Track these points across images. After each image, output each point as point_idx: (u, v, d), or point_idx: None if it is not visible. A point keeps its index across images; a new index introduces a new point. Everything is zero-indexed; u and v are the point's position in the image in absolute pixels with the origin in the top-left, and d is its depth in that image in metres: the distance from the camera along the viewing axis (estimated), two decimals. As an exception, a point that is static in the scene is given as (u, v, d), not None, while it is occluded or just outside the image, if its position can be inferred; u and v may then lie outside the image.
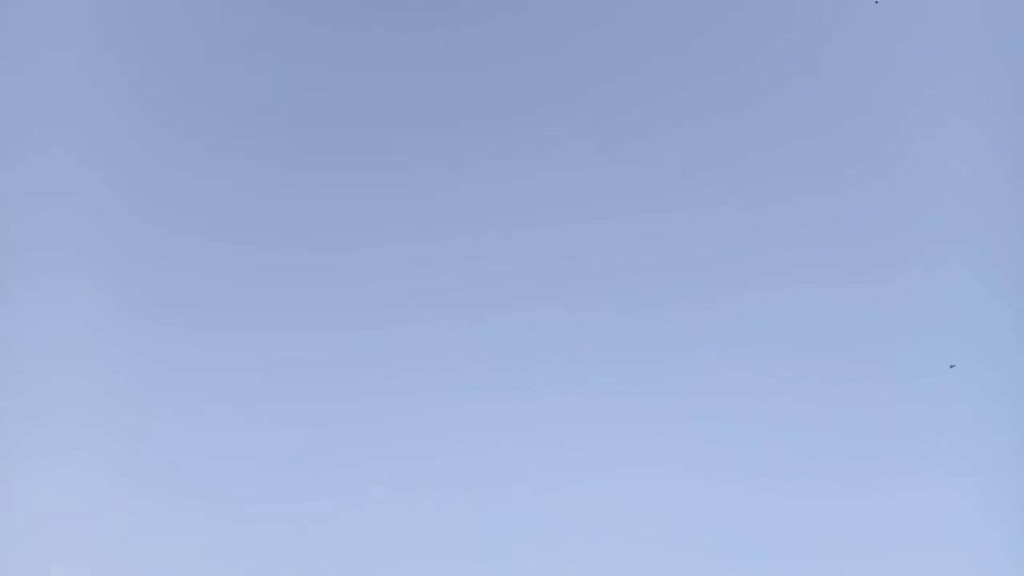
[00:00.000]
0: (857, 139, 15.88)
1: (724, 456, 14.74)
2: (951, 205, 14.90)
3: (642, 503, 14.48)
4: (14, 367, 13.60)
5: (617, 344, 16.37)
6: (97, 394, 14.13)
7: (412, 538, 14.04)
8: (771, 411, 15.00)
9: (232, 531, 13.43)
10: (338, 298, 16.54)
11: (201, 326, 14.03)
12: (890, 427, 15.30)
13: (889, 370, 14.56)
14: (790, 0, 15.21)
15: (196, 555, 12.73)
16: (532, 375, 15.96)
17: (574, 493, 14.37)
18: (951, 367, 12.12)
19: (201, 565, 12.48)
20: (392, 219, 17.26)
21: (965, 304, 13.37)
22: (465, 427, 15.12)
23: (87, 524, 12.95)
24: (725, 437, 14.74)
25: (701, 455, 14.55)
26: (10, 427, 13.00)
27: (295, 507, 13.71)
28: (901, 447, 14.95)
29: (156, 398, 14.32)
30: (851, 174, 15.70)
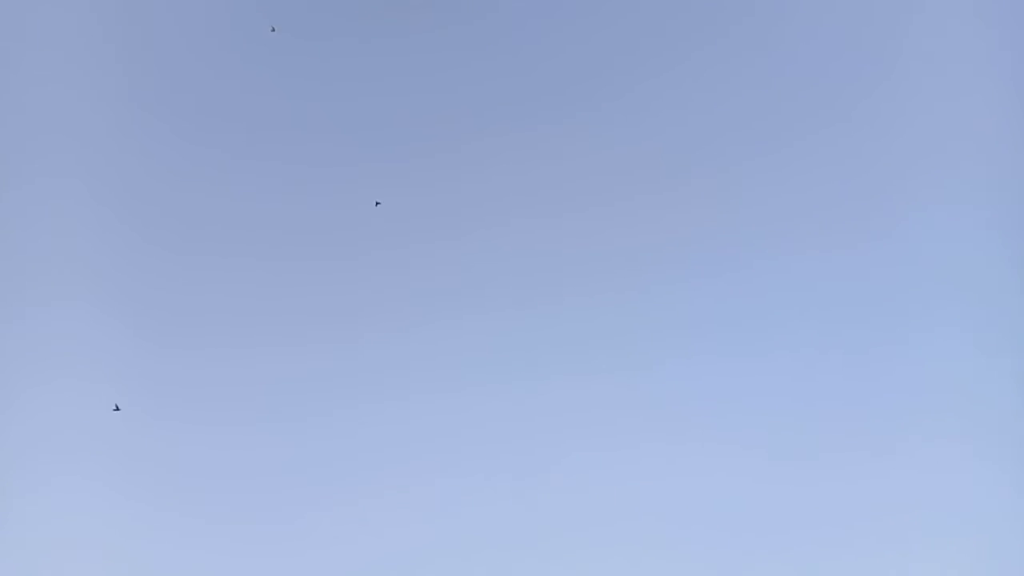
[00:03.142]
0: (848, 120, 16.38)
1: (730, 435, 15.37)
2: (948, 172, 15.50)
3: (657, 485, 15.11)
4: (16, 386, 14.00)
5: (616, 332, 17.01)
6: (98, 413, 14.52)
7: (421, 537, 14.59)
8: (775, 390, 15.57)
9: (244, 542, 13.75)
10: (337, 307, 17.14)
11: (210, 344, 14.27)
12: (889, 410, 15.86)
13: (888, 355, 15.12)
14: None
15: (219, 571, 12.98)
16: (532, 368, 16.61)
17: (586, 481, 14.99)
18: None
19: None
20: (386, 225, 17.77)
21: (965, 274, 13.82)
22: (468, 424, 15.74)
23: (89, 540, 13.33)
24: (731, 417, 15.35)
25: (709, 434, 15.24)
26: (12, 444, 13.35)
27: (305, 515, 14.10)
28: (899, 428, 15.53)
29: (158, 418, 14.68)
30: (840, 153, 16.21)
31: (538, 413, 30.80)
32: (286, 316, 32.62)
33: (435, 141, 35.86)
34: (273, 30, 20.93)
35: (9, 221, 31.30)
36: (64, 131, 32.48)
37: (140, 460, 30.22)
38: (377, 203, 22.00)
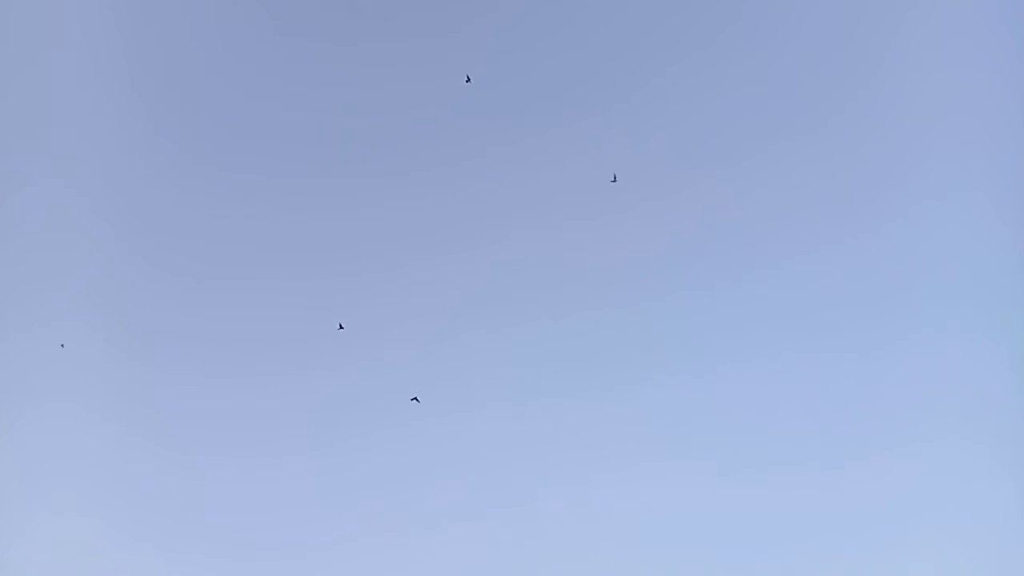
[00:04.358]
0: (852, 126, 16.59)
1: (737, 446, 15.51)
2: (949, 173, 15.76)
3: (662, 502, 15.32)
4: (14, 413, 14.25)
5: (614, 346, 17.07)
6: (98, 444, 14.86)
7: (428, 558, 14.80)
8: (778, 400, 15.76)
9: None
10: (334, 330, 17.31)
11: (206, 372, 14.51)
12: (889, 411, 16.00)
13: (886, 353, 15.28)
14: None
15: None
16: (532, 386, 16.75)
17: (594, 501, 15.21)
18: None
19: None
20: (379, 243, 17.90)
21: (968, 274, 14.09)
22: (468, 450, 16.03)
23: (85, 569, 13.71)
24: (735, 428, 15.53)
25: (709, 449, 15.44)
26: (9, 473, 13.65)
27: (305, 546, 14.49)
28: (900, 426, 15.68)
29: (165, 449, 15.03)
30: (838, 155, 16.43)
31: (542, 432, 30.56)
32: (280, 342, 32.19)
33: (419, 158, 35.62)
34: (468, 80, 21.15)
35: (7, 234, 31.13)
36: (67, 142, 32.42)
37: (141, 494, 29.79)
38: (469, 78, 21.10)
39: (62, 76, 32.00)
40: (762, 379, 31.82)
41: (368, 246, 34.35)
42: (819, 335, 33.29)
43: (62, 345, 28.88)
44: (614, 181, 27.44)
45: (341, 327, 25.40)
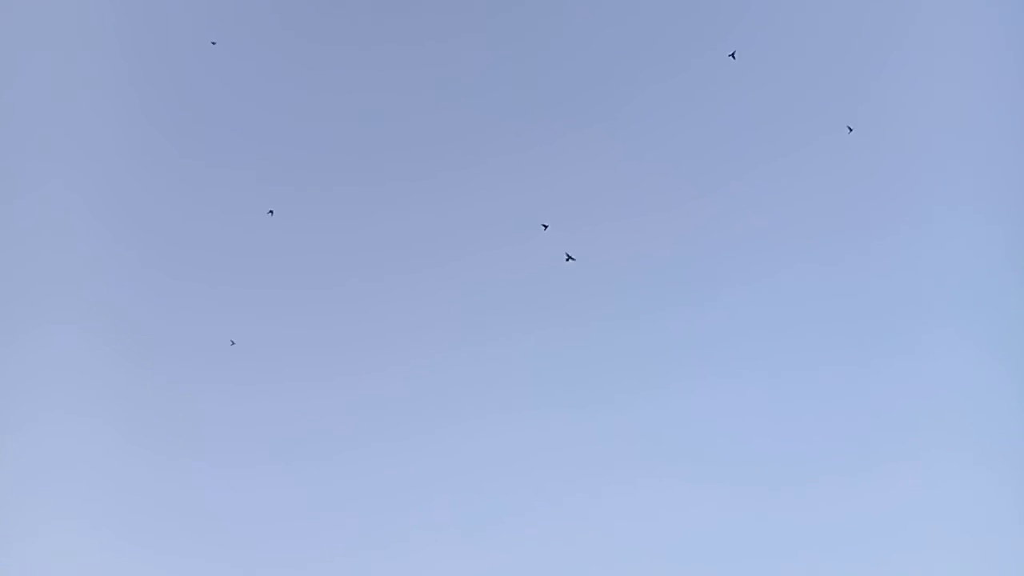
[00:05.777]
0: (854, 135, 16.40)
1: (737, 461, 15.28)
2: (948, 180, 15.63)
3: (668, 515, 15.06)
4: (15, 418, 13.98)
5: (618, 357, 16.87)
6: (100, 450, 14.56)
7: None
8: (776, 410, 15.55)
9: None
10: (342, 339, 16.97)
11: (210, 379, 14.22)
12: (889, 420, 15.86)
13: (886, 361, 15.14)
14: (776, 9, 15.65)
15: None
16: (535, 397, 16.49)
17: (596, 511, 14.93)
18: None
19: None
20: (382, 251, 17.60)
21: (966, 283, 13.98)
22: (467, 463, 15.73)
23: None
24: (735, 442, 15.29)
25: (710, 460, 15.21)
26: (11, 479, 13.40)
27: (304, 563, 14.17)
28: (901, 438, 15.57)
29: (165, 456, 14.72)
30: (839, 164, 16.29)
31: (545, 443, 30.39)
32: (299, 354, 31.85)
33: (424, 165, 35.45)
34: (733, 55, 20.79)
35: (9, 236, 30.85)
36: (67, 144, 32.17)
37: (143, 500, 29.44)
38: (734, 55, 20.10)
39: (62, 77, 31.81)
40: (764, 391, 31.78)
41: (371, 254, 34.26)
42: (821, 347, 33.25)
43: (232, 342, 28.78)
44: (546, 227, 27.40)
45: (545, 227, 25.35)
